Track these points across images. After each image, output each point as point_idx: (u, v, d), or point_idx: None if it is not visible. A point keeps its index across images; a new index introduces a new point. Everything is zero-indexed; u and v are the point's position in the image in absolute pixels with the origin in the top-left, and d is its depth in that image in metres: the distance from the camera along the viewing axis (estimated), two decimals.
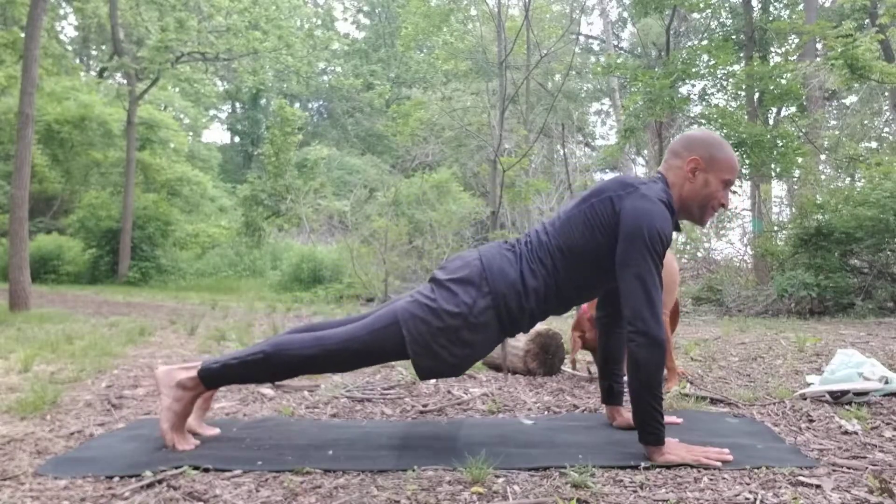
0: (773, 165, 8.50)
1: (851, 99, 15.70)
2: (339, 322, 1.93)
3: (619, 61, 10.57)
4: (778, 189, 13.91)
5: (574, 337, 2.83)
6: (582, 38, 19.64)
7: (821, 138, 11.48)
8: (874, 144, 13.10)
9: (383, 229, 11.33)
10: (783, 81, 8.64)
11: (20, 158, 6.75)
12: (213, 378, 1.80)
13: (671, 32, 10.30)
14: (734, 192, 9.30)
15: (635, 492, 1.45)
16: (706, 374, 2.99)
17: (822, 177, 10.34)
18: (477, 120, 11.68)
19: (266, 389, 2.65)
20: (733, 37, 14.12)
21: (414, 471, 1.58)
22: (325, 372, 1.76)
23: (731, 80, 9.79)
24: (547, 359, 3.01)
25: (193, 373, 1.79)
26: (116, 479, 1.54)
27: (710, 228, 13.63)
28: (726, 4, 14.81)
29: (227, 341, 4.30)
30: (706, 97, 13.10)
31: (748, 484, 1.49)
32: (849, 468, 1.60)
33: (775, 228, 9.28)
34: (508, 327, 1.78)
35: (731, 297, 8.40)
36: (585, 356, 3.15)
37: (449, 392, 2.63)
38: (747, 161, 8.24)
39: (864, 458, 1.69)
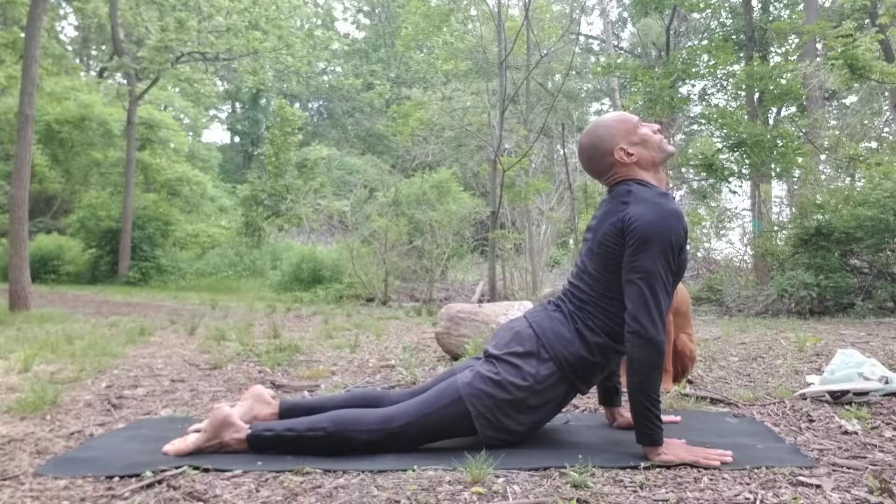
0: (773, 165, 8.51)
1: (851, 99, 15.70)
2: (397, 396, 1.91)
3: (619, 61, 10.58)
4: (778, 189, 13.93)
5: None
6: (582, 38, 19.64)
7: (821, 138, 11.47)
8: (874, 144, 13.10)
9: (383, 229, 11.33)
10: (783, 81, 8.64)
11: (20, 158, 6.76)
12: (262, 445, 1.73)
13: (671, 32, 10.30)
14: (734, 193, 9.31)
15: (635, 492, 1.45)
16: (706, 374, 2.99)
17: (822, 177, 10.34)
18: (477, 120, 11.68)
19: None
20: (733, 37, 14.14)
21: (414, 471, 1.58)
22: (387, 453, 1.75)
23: (731, 80, 9.80)
24: None
25: (243, 435, 1.72)
26: (116, 479, 1.54)
27: (710, 228, 13.65)
28: (726, 4, 14.81)
29: (227, 341, 4.30)
30: (706, 97, 13.12)
31: (748, 484, 1.49)
32: (849, 468, 1.60)
33: (775, 228, 9.28)
34: (578, 384, 1.80)
35: (731, 297, 8.41)
36: None
37: None
38: (747, 161, 8.25)
39: (864, 458, 1.69)
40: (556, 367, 1.74)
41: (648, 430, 1.64)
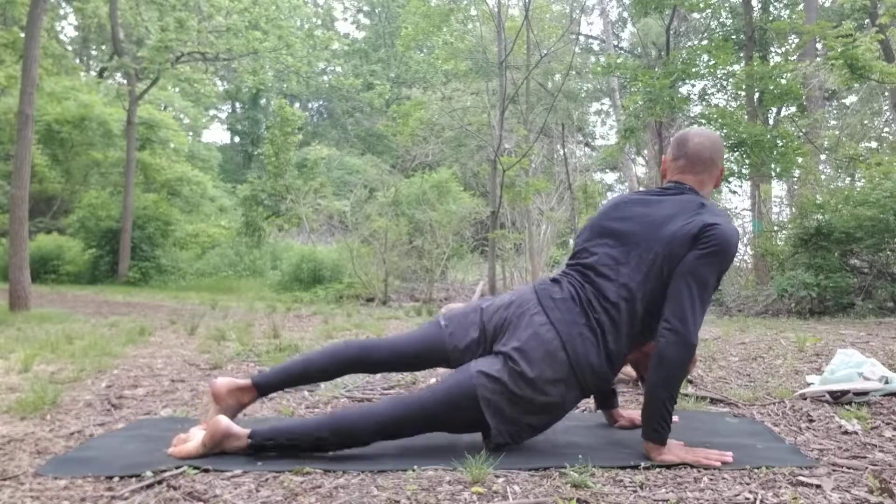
0: (773, 165, 8.50)
1: (851, 99, 15.70)
2: (387, 347, 1.91)
3: (619, 61, 10.56)
4: (778, 189, 13.91)
5: None
6: (582, 38, 19.62)
7: (821, 138, 11.47)
8: (874, 144, 13.10)
9: (383, 229, 11.33)
10: (783, 81, 8.63)
11: (20, 158, 6.75)
12: (265, 451, 1.71)
13: (671, 32, 10.29)
14: (734, 193, 9.30)
15: (635, 492, 1.45)
16: (706, 374, 2.99)
17: (822, 177, 10.33)
18: (477, 120, 11.69)
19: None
20: (733, 37, 14.13)
21: (414, 471, 1.58)
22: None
23: (731, 80, 9.78)
24: None
25: (244, 443, 1.70)
26: (116, 479, 1.54)
27: None
28: (726, 4, 14.81)
29: (227, 341, 4.30)
30: (706, 97, 13.09)
31: (748, 484, 1.49)
32: (849, 468, 1.60)
33: (775, 228, 9.28)
34: (590, 393, 1.84)
35: (731, 297, 8.41)
36: None
37: None
38: (747, 161, 8.24)
39: (864, 458, 1.69)
40: (581, 393, 1.76)
41: (659, 428, 1.65)
